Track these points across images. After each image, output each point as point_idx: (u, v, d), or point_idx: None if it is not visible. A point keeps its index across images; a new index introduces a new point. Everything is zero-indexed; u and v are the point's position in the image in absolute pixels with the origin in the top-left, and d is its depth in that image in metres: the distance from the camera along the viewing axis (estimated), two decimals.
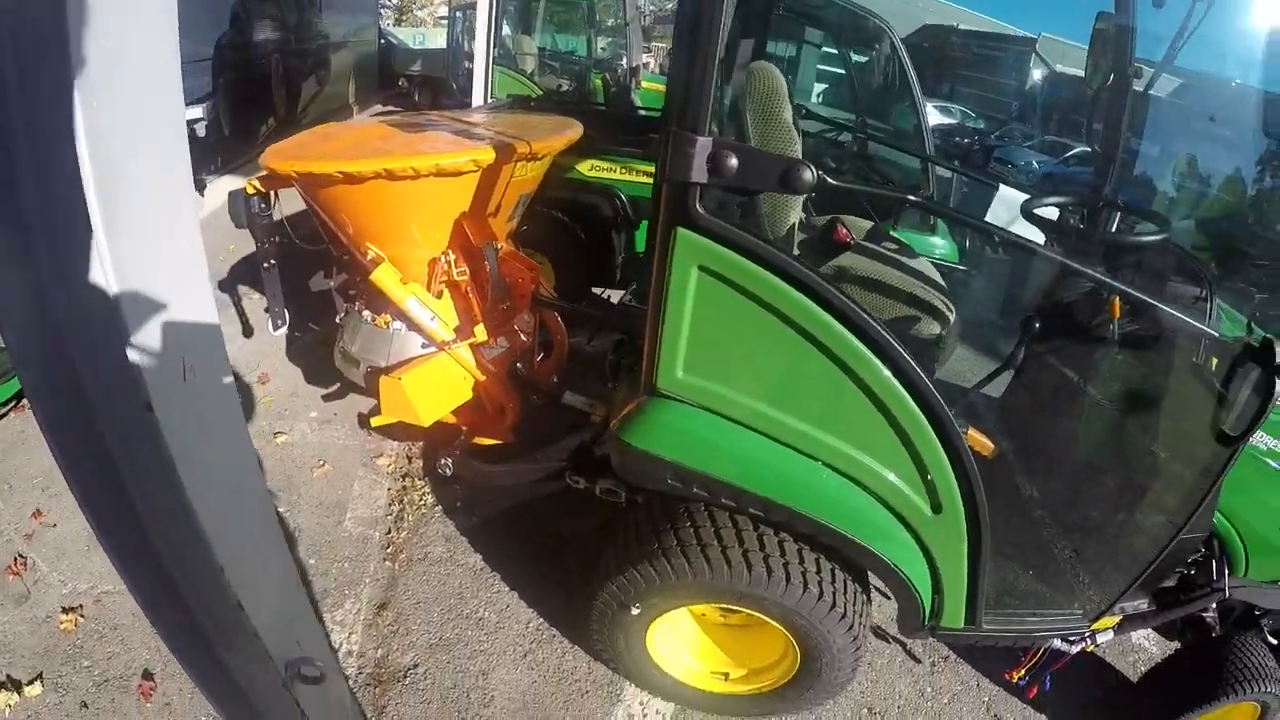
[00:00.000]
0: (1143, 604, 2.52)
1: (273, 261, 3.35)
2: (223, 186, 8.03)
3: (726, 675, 2.64)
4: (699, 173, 1.67)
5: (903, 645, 3.20)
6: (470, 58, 14.35)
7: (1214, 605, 2.59)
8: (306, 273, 5.66)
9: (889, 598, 2.82)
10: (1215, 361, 2.07)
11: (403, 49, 15.81)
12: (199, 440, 1.21)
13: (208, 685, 1.45)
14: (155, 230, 1.06)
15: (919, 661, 3.15)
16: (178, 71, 1.02)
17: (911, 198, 2.38)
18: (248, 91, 8.45)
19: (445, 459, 3.09)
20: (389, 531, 3.52)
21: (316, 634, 1.72)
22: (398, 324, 3.32)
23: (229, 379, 1.30)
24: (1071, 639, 2.47)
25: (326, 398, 4.49)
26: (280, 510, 3.53)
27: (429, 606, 3.11)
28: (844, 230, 2.92)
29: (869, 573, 2.29)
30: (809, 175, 1.64)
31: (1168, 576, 2.53)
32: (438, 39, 16.98)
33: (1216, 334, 2.04)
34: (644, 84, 9.05)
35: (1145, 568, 2.27)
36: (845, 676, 2.37)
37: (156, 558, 1.22)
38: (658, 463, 2.07)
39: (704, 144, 1.64)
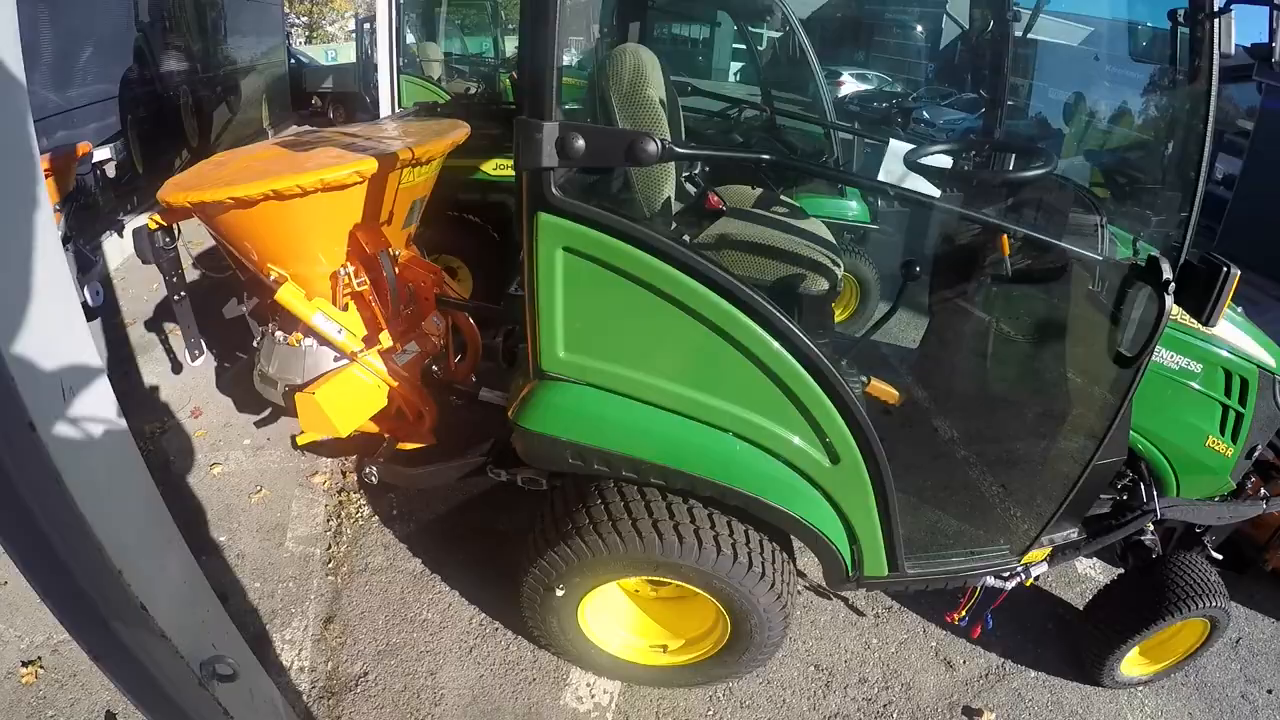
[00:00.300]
0: (1073, 533, 2.57)
1: (183, 294, 3.39)
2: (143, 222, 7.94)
3: (665, 647, 2.70)
4: (549, 157, 1.75)
5: (845, 601, 3.31)
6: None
7: (1151, 528, 2.69)
8: (224, 302, 5.69)
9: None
10: (1107, 285, 2.14)
11: (313, 67, 15.54)
12: (84, 454, 1.29)
13: (135, 693, 1.52)
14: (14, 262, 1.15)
15: (862, 615, 3.27)
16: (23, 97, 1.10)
17: (765, 157, 2.45)
18: (158, 126, 8.30)
19: (370, 467, 3.15)
20: (329, 547, 3.57)
21: (231, 634, 1.79)
22: (309, 340, 3.37)
23: (109, 396, 1.37)
24: (1004, 575, 2.52)
25: (259, 424, 4.51)
26: (221, 539, 3.57)
27: (373, 615, 3.18)
28: (714, 198, 2.96)
29: (787, 533, 2.34)
30: (653, 147, 1.72)
31: (1092, 504, 2.56)
32: (349, 54, 16.73)
33: (1100, 258, 2.15)
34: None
35: (1064, 496, 2.33)
36: (778, 635, 2.42)
37: (62, 567, 1.29)
38: (555, 444, 2.12)
39: (550, 129, 1.72)
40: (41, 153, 5.06)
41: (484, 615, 3.16)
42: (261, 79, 12.79)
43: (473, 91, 8.65)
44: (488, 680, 2.88)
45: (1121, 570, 2.95)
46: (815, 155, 5.63)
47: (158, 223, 3.18)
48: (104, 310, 5.82)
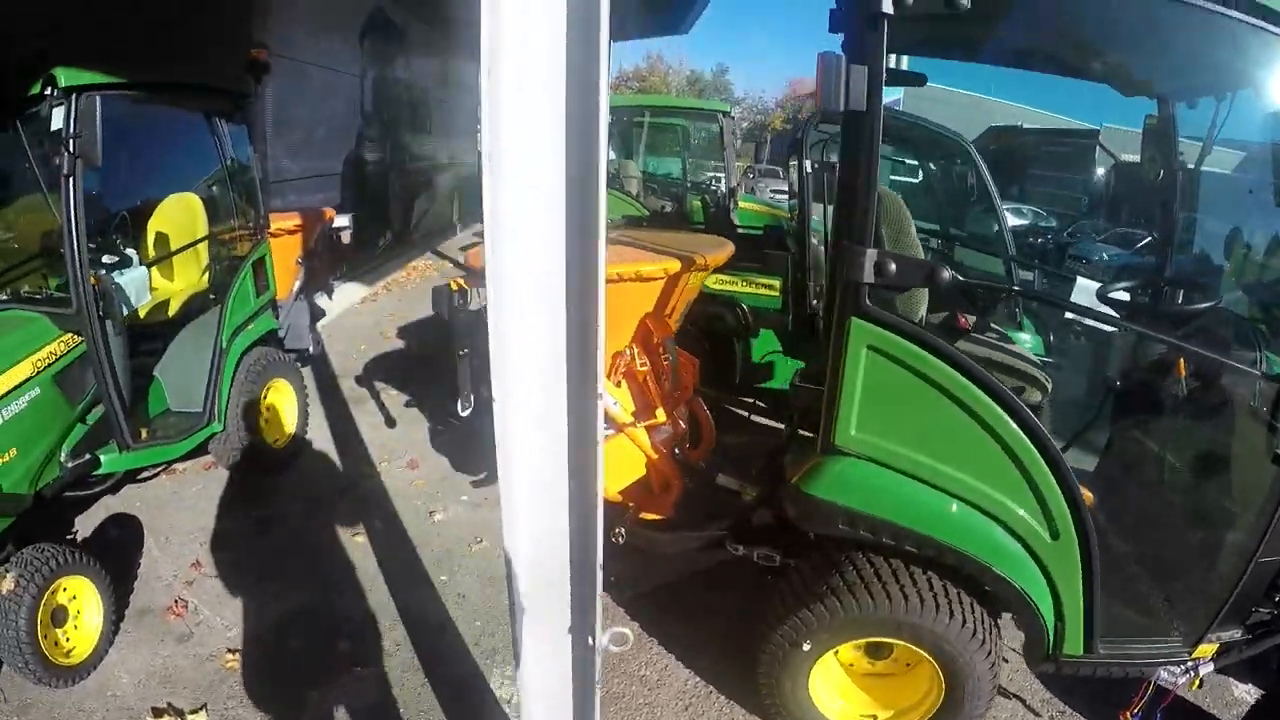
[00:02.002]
0: (1237, 633, 2.66)
1: (466, 350, 3.84)
2: (347, 294, 8.91)
3: (875, 717, 2.86)
4: (868, 274, 2.20)
5: (1022, 701, 3.29)
6: None
7: None
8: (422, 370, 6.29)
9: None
10: (1267, 398, 2.42)
11: None
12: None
13: None
14: None
15: (1039, 715, 3.23)
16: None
17: (1017, 289, 2.81)
18: (370, 206, 9.37)
19: (619, 529, 3.40)
20: None
21: None
22: None
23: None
24: (1176, 669, 2.62)
25: (476, 484, 4.92)
26: (442, 578, 3.90)
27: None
28: (964, 319, 3.32)
29: (998, 611, 2.60)
30: (946, 274, 2.20)
31: (1255, 603, 2.64)
32: None
33: (1260, 373, 2.48)
34: (741, 204, 9.63)
35: (1230, 591, 2.51)
36: (982, 708, 2.61)
37: None
38: (833, 509, 2.45)
39: (871, 253, 2.19)
40: (288, 210, 5.92)
41: (699, 679, 3.29)
42: (455, 176, 14.17)
43: (667, 209, 9.30)
44: None
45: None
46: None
47: (458, 284, 3.68)
48: (316, 360, 6.51)
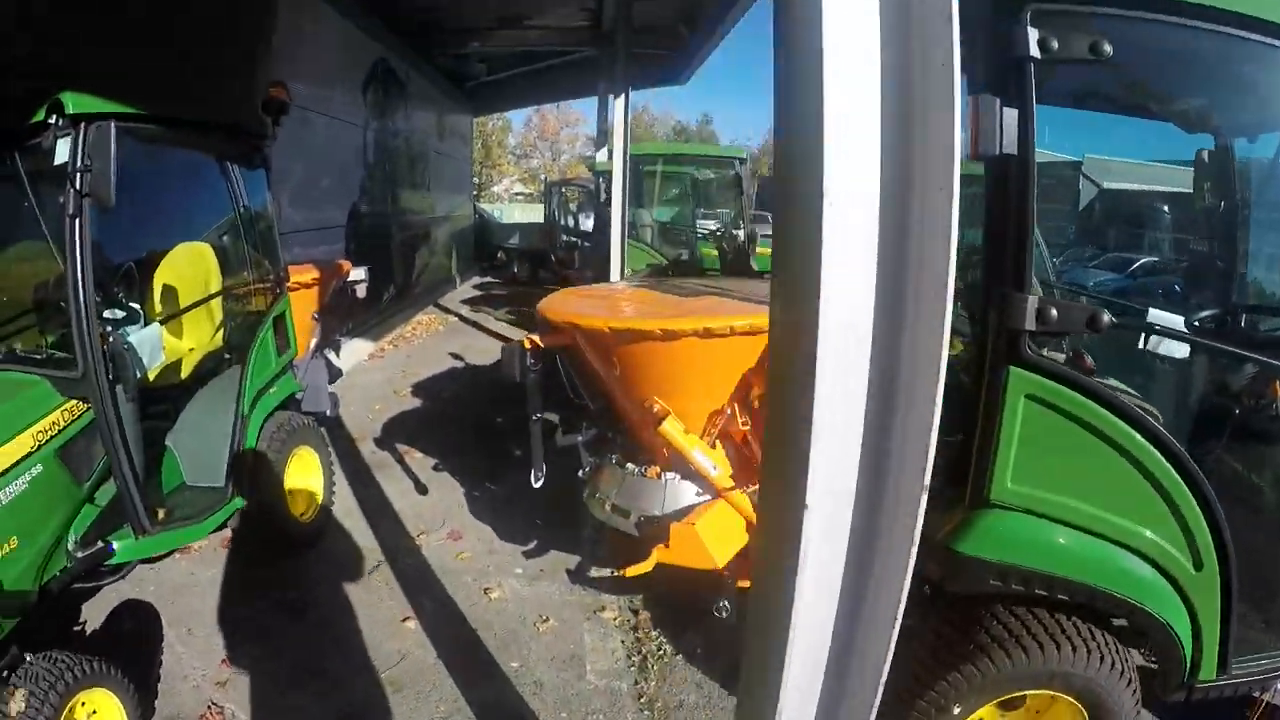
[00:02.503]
0: None
1: (540, 415, 3.43)
2: (354, 350, 8.40)
3: None
4: (1029, 322, 2.09)
5: None
6: (567, 231, 15.28)
7: None
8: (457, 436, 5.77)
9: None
10: None
11: (497, 223, 16.80)
12: None
13: None
14: None
15: None
16: None
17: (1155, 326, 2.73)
18: (373, 259, 8.96)
19: (724, 601, 3.08)
20: (636, 682, 3.35)
21: None
22: (671, 474, 3.35)
23: None
24: None
25: (528, 555, 4.41)
26: (513, 664, 3.38)
27: None
28: (1088, 360, 3.09)
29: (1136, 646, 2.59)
30: (1106, 319, 2.10)
31: None
32: (514, 214, 18.06)
33: None
34: (760, 249, 9.35)
35: None
36: None
37: None
38: (985, 566, 2.33)
39: (1033, 300, 2.10)
40: (296, 263, 5.40)
41: None
42: (453, 229, 13.89)
43: (684, 258, 9.01)
44: None
45: None
46: None
47: (534, 342, 3.25)
48: (332, 423, 5.94)
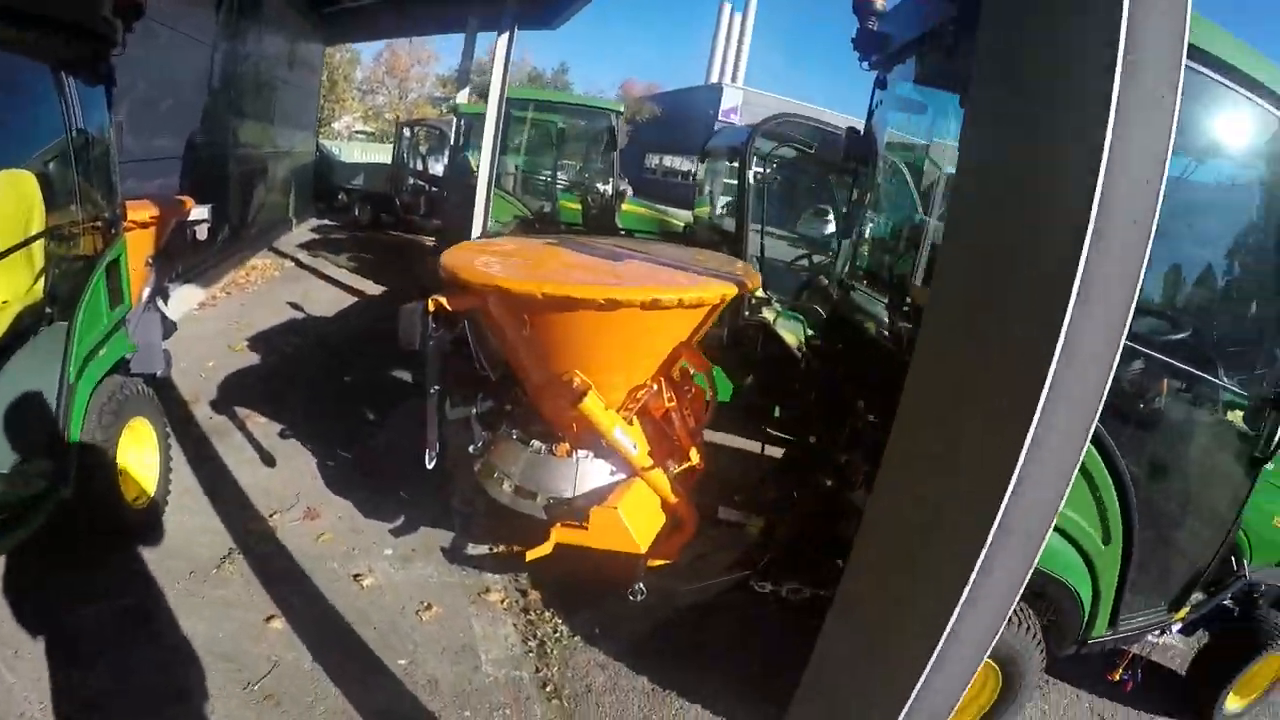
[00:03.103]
0: (1200, 596, 3.17)
1: (438, 388, 3.11)
2: (183, 298, 7.46)
3: None
4: None
5: None
6: (415, 175, 14.37)
7: (1235, 592, 3.30)
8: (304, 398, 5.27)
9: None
10: (1241, 415, 2.86)
11: (340, 162, 15.50)
12: None
13: None
14: None
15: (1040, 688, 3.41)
16: None
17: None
18: (209, 196, 8.04)
19: (638, 585, 3.04)
20: (537, 670, 3.22)
21: None
22: (583, 452, 3.15)
23: None
24: (1158, 632, 3.17)
25: (396, 532, 4.09)
26: (400, 662, 3.13)
27: None
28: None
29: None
30: None
31: (1216, 574, 3.17)
32: (354, 153, 16.79)
33: (1222, 385, 2.85)
34: (626, 206, 9.20)
35: (1208, 565, 3.03)
36: (1030, 694, 2.80)
37: None
38: None
39: None
40: (140, 198, 4.65)
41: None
42: (293, 166, 12.68)
43: (546, 210, 8.69)
44: None
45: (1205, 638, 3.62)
46: None
47: (439, 304, 2.91)
48: (162, 383, 5.26)
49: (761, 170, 5.51)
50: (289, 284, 9.63)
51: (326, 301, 8.96)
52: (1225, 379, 2.95)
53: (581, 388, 2.91)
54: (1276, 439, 2.77)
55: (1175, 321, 2.96)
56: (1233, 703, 3.46)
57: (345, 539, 3.96)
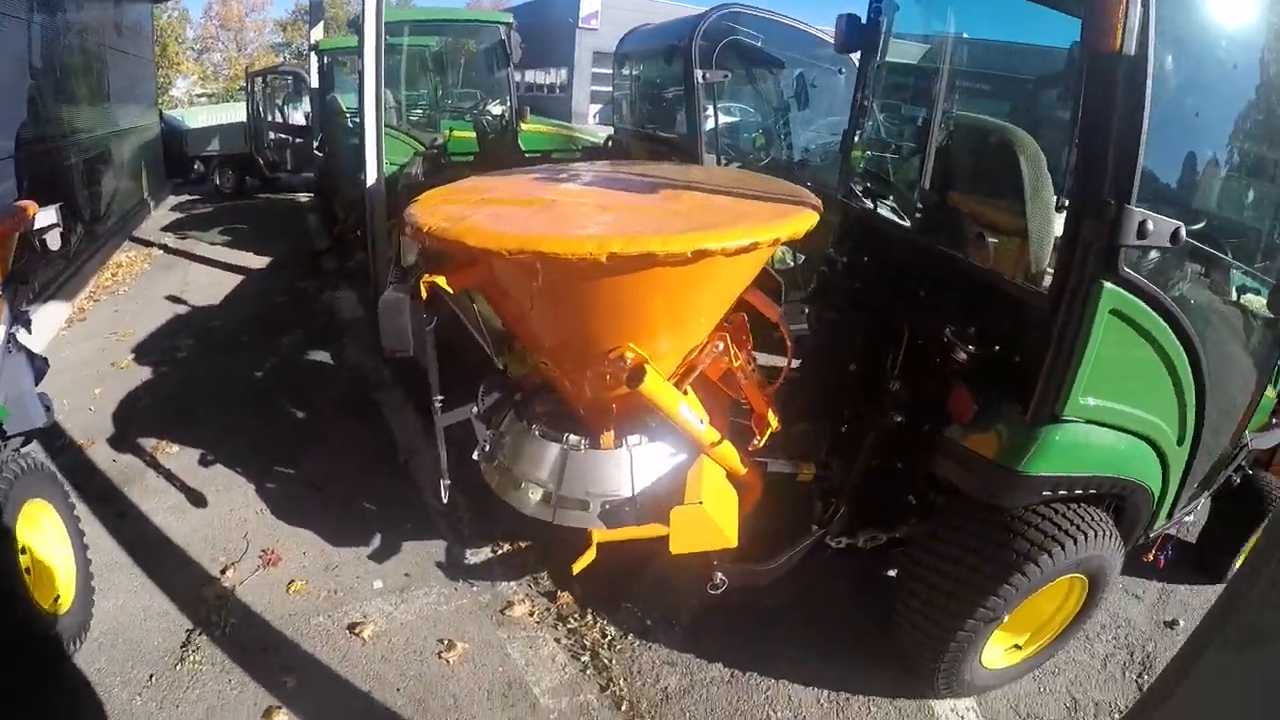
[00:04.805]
0: (1215, 485, 3.29)
1: (442, 398, 2.53)
2: (46, 318, 6.33)
3: (1019, 645, 2.92)
4: (1131, 236, 2.03)
5: None
6: (275, 128, 12.95)
7: (1242, 460, 3.40)
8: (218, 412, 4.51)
9: None
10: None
11: (188, 130, 13.77)
12: None
13: None
14: None
15: None
16: None
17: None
18: (55, 193, 6.82)
19: (718, 575, 2.72)
20: (603, 688, 2.81)
21: None
22: (633, 438, 2.62)
23: None
24: (1190, 514, 3.28)
25: (377, 557, 3.49)
26: None
27: None
28: None
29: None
30: (1183, 234, 2.07)
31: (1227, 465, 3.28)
32: (200, 118, 15.03)
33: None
34: (525, 126, 8.36)
35: (1226, 464, 3.16)
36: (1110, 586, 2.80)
37: None
38: (1048, 481, 2.39)
39: (1139, 213, 2.01)
40: None
41: (826, 691, 2.89)
42: (139, 144, 11.13)
43: (440, 142, 7.78)
44: None
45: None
46: None
47: (431, 288, 2.23)
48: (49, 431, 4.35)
49: (707, 71, 4.89)
50: (163, 275, 8.45)
51: (210, 287, 7.92)
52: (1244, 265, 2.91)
53: (637, 364, 2.32)
54: None
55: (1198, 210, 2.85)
56: (1241, 561, 3.66)
57: (321, 581, 3.34)
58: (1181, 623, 3.45)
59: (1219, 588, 3.64)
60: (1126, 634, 3.36)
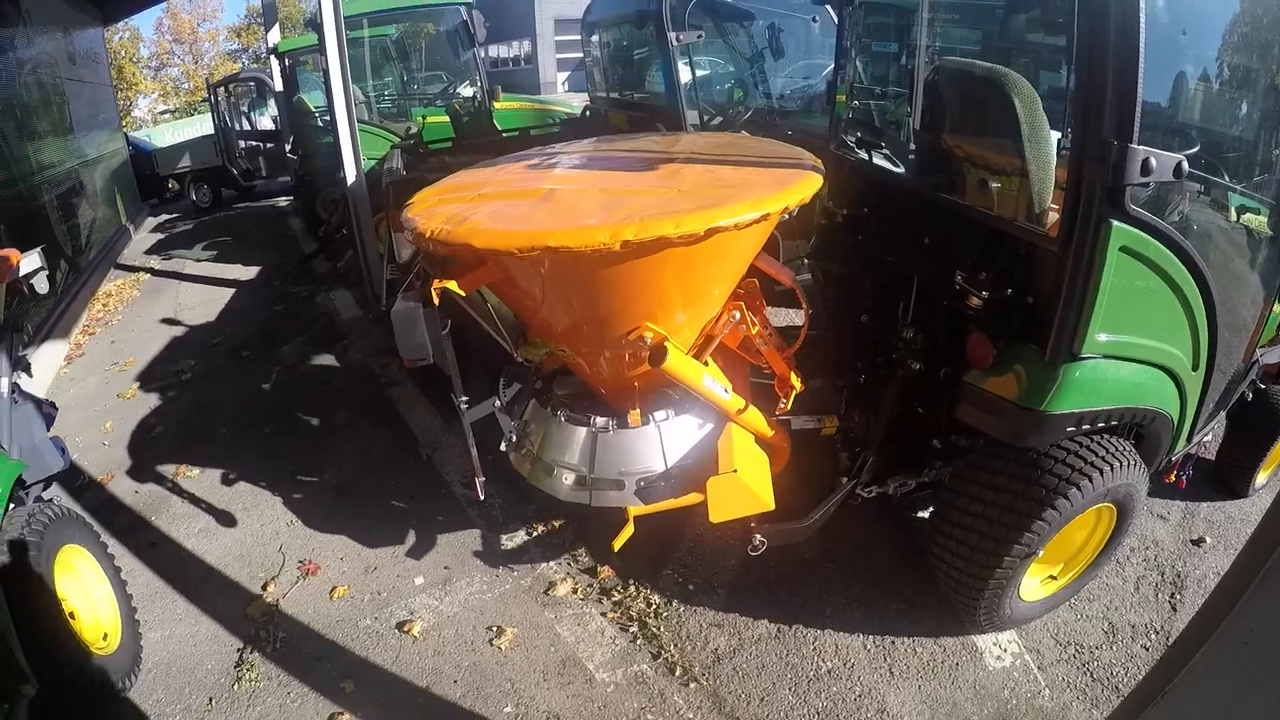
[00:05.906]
0: (1232, 404, 3.32)
1: (467, 401, 2.50)
2: (43, 361, 6.30)
3: (1054, 576, 2.98)
4: (1136, 175, 2.02)
5: None
6: (244, 136, 12.79)
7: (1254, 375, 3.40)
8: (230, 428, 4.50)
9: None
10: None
11: (159, 149, 13.60)
12: None
13: None
14: None
15: None
16: None
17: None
18: (31, 231, 6.75)
19: (757, 537, 2.71)
20: (657, 655, 2.85)
21: None
22: (660, 413, 2.61)
23: None
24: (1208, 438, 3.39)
25: (414, 553, 3.52)
26: (507, 709, 2.69)
27: (776, 693, 2.72)
28: None
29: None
30: (1185, 168, 2.06)
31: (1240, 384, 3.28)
32: (168, 135, 14.82)
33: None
34: (499, 104, 8.22)
35: (1240, 383, 3.17)
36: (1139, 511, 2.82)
37: None
38: (1070, 418, 2.41)
39: (1142, 151, 2.00)
40: None
41: (871, 637, 2.93)
42: (109, 170, 10.97)
43: (414, 131, 7.67)
44: (927, 685, 2.75)
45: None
46: None
47: (441, 292, 2.21)
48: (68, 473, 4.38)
49: (681, 33, 4.79)
50: (153, 299, 8.40)
51: (202, 304, 7.88)
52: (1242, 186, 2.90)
53: (658, 342, 2.31)
54: None
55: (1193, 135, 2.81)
56: (1260, 476, 3.79)
57: (363, 584, 3.37)
58: (1208, 539, 3.48)
59: (1241, 503, 3.75)
60: (1156, 555, 3.40)
